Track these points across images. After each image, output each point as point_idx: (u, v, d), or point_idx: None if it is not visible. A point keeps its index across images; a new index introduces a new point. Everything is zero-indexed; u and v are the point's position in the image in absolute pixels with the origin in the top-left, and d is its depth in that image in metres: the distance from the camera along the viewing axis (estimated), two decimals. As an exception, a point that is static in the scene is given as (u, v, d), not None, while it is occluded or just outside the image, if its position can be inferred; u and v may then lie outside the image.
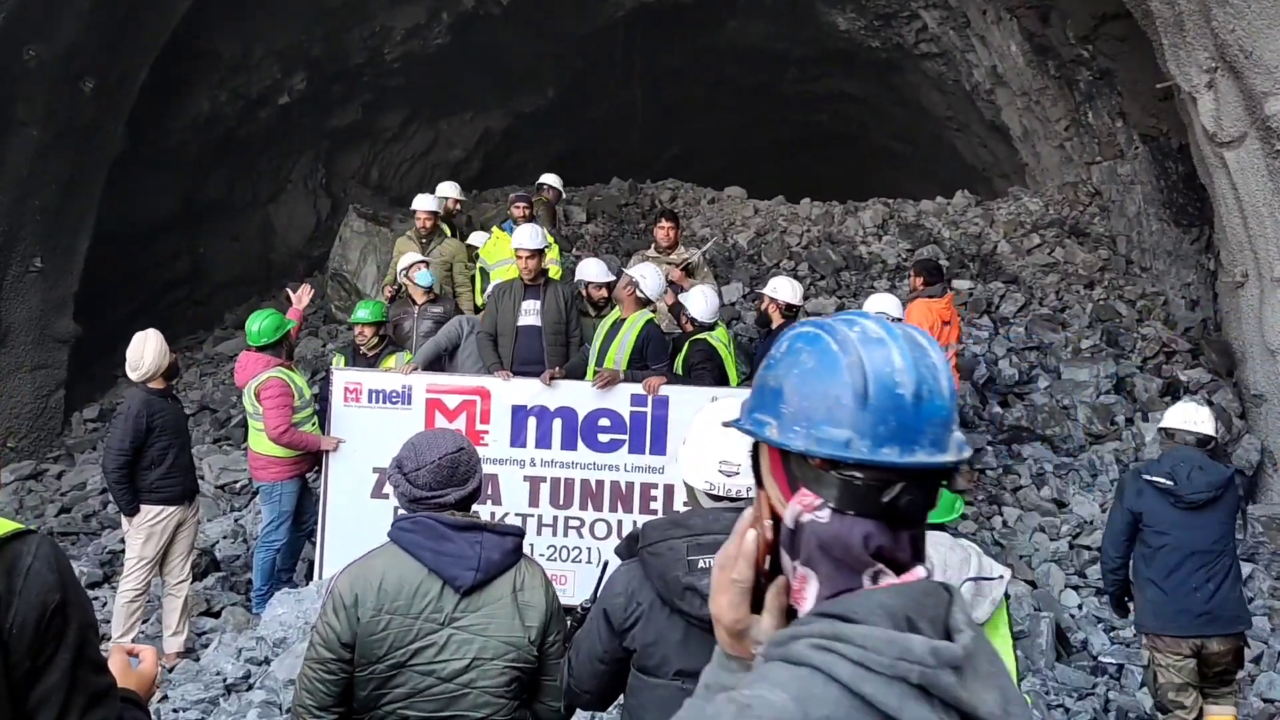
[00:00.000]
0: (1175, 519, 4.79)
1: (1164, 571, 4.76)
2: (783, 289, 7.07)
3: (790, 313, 7.05)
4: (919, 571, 1.23)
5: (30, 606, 1.55)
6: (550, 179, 10.91)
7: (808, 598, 1.25)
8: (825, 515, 1.23)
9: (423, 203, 9.42)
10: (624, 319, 6.78)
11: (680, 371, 6.77)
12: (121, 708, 1.71)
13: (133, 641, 6.04)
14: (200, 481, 7.29)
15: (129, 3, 9.64)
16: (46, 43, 8.95)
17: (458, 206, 10.70)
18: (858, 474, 1.21)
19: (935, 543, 2.59)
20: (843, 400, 1.22)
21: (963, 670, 1.14)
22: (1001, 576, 2.59)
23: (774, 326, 7.09)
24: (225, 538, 7.71)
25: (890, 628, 1.16)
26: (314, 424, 6.66)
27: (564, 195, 10.98)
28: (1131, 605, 5.22)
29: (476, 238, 9.81)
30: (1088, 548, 7.15)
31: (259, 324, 6.71)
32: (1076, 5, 10.65)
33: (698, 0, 15.46)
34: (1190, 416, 5.12)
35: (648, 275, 6.90)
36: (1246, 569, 6.63)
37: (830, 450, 1.21)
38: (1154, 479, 4.89)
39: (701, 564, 2.16)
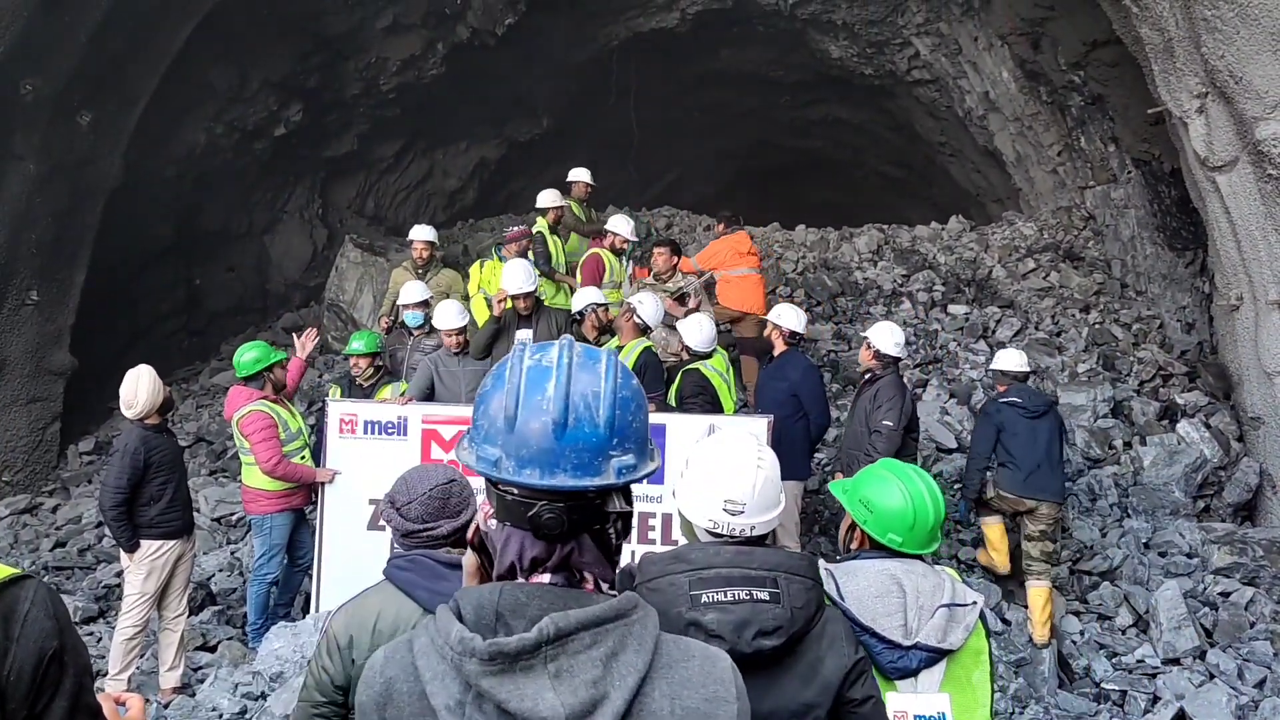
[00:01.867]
0: (1024, 425, 6.80)
1: (1016, 457, 6.75)
2: (787, 316, 7.07)
3: (793, 340, 7.06)
4: (543, 578, 1.40)
5: (28, 654, 1.54)
6: (580, 174, 10.59)
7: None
8: (494, 523, 1.44)
9: (420, 233, 9.38)
10: (622, 346, 6.81)
11: (674, 402, 6.75)
12: None
13: (129, 678, 6.00)
14: (196, 514, 7.23)
15: (127, 36, 9.69)
16: (44, 76, 8.99)
17: (586, 192, 10.53)
18: (511, 490, 1.38)
19: (909, 570, 2.58)
20: (498, 423, 1.39)
21: (522, 665, 1.28)
22: (975, 603, 2.58)
23: (776, 353, 7.08)
24: (221, 571, 7.66)
25: (475, 619, 1.34)
26: (303, 456, 6.60)
27: (594, 187, 10.69)
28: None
29: (546, 197, 9.71)
30: (1088, 573, 7.12)
31: (242, 356, 6.72)
32: (1067, 32, 10.73)
33: (691, 28, 15.57)
34: (1019, 360, 7.32)
35: (645, 302, 6.94)
36: (1248, 593, 6.62)
37: (483, 468, 1.39)
38: (1010, 400, 6.96)
39: (705, 598, 2.12)
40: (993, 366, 7.54)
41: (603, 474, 1.37)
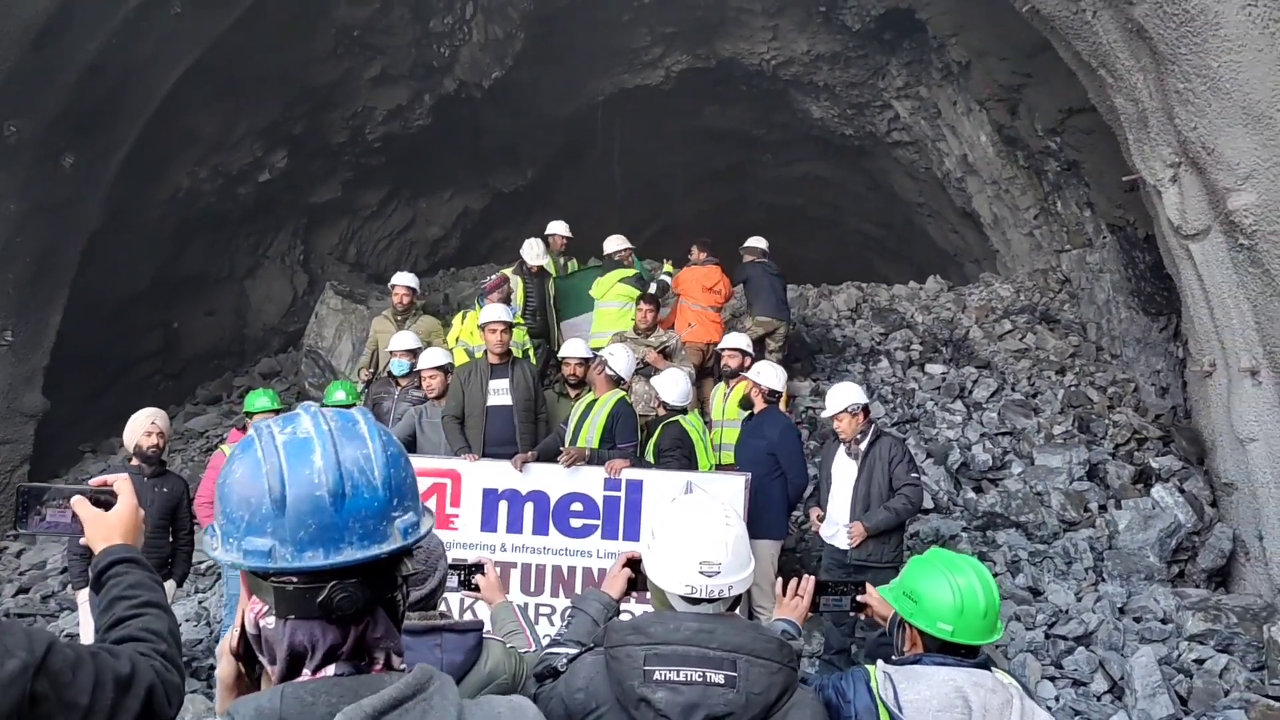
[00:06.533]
0: (766, 279, 10.24)
1: (762, 297, 10.07)
2: (766, 374, 7.08)
3: (773, 398, 7.06)
4: (328, 670, 1.27)
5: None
6: (555, 227, 10.74)
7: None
8: (271, 621, 1.28)
9: (401, 279, 9.38)
10: (597, 399, 6.84)
11: (651, 454, 6.74)
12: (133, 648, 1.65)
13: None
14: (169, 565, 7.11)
15: (113, 81, 9.72)
16: (29, 118, 8.99)
17: (563, 243, 10.75)
18: (291, 580, 1.24)
19: (977, 683, 2.41)
20: (263, 508, 1.24)
21: None
22: None
23: (756, 411, 7.08)
24: (187, 620, 7.52)
25: None
26: None
27: (570, 239, 10.89)
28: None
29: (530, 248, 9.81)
30: (1064, 637, 7.08)
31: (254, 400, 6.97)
32: (1044, 99, 10.94)
33: (676, 85, 15.79)
34: (763, 241, 10.47)
35: (616, 353, 7.01)
36: (1222, 660, 6.60)
37: (256, 562, 1.24)
38: (758, 263, 10.27)
39: (658, 675, 2.07)
40: (745, 246, 10.54)
41: (389, 538, 1.28)
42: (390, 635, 1.32)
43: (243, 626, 1.36)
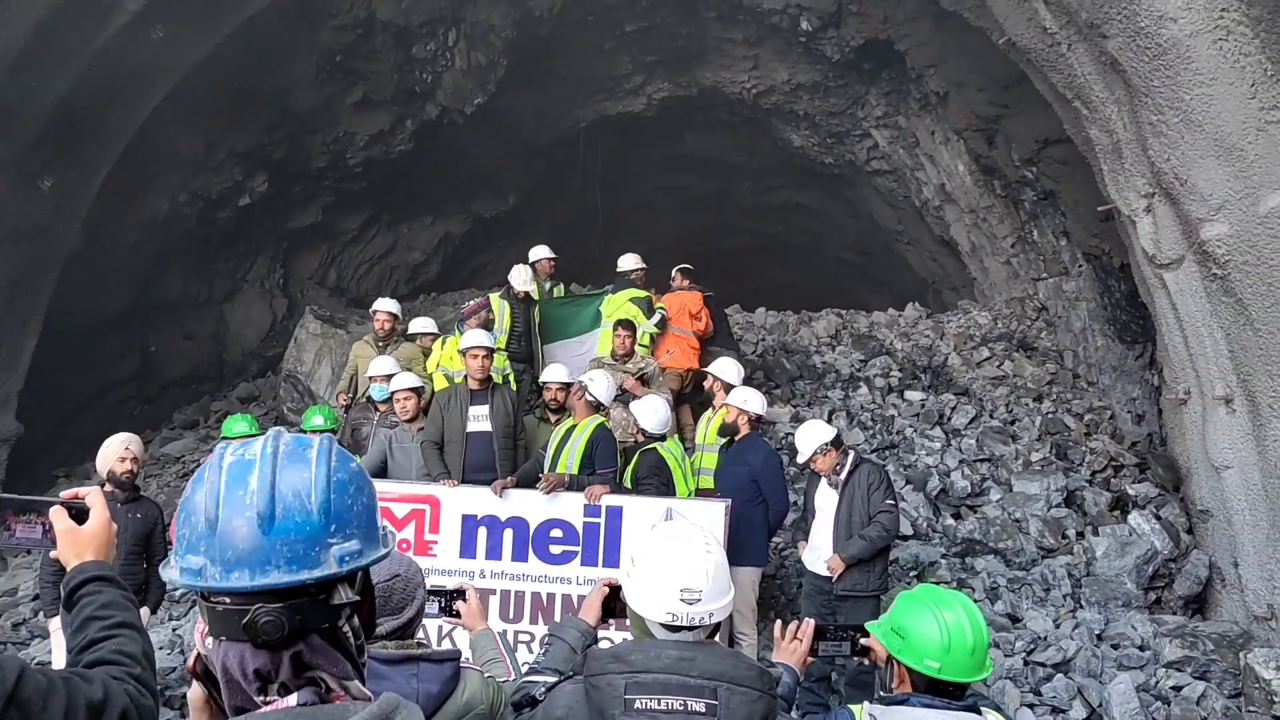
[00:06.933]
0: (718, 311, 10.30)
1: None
2: (753, 400, 7.04)
3: (757, 423, 7.06)
4: (288, 700, 1.25)
5: None
6: (539, 251, 10.58)
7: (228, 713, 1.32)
8: (211, 642, 1.29)
9: (384, 304, 9.37)
10: (577, 424, 6.84)
11: (629, 482, 6.73)
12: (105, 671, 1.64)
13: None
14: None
15: (93, 104, 9.69)
16: (7, 141, 8.95)
17: (552, 266, 10.58)
18: (221, 600, 1.25)
19: None
20: (199, 528, 1.26)
21: None
22: None
23: (739, 437, 7.06)
24: (161, 648, 7.42)
25: None
26: None
27: (555, 259, 10.70)
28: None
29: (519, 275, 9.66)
30: (1042, 664, 7.09)
31: (232, 426, 6.90)
32: (1020, 129, 11.07)
33: (657, 113, 15.88)
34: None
35: (596, 379, 7.01)
36: (1199, 687, 6.62)
37: (187, 580, 1.25)
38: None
39: (639, 704, 2.06)
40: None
41: (322, 564, 1.26)
42: (333, 662, 1.30)
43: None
